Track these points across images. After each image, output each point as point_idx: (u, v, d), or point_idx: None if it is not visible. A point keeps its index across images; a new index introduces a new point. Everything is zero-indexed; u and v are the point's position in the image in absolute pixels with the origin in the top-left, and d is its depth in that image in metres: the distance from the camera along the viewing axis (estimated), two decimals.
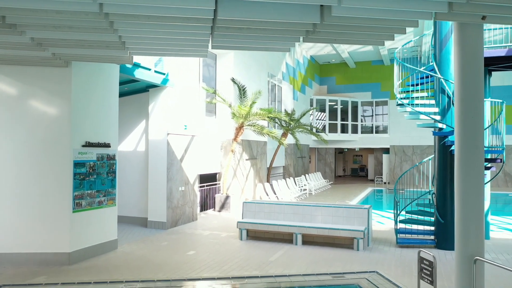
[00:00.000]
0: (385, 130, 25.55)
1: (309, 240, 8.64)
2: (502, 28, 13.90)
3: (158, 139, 10.19)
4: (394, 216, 8.63)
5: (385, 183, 24.69)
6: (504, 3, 3.99)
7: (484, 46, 9.67)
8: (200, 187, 12.67)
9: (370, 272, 6.65)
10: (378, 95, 25.52)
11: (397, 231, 8.51)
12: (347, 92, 26.25)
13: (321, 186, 20.37)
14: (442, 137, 8.12)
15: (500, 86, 22.94)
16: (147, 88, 10.32)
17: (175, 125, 10.39)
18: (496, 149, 8.21)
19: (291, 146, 19.81)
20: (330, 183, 22.55)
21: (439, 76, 7.92)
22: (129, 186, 10.66)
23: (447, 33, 8.05)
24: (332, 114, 25.24)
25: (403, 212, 8.80)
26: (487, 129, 8.58)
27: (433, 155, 8.83)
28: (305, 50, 23.77)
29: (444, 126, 8.03)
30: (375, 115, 26.04)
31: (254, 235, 9.15)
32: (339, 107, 25.28)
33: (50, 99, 7.03)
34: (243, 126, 13.18)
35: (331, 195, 18.29)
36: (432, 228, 8.51)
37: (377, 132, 25.88)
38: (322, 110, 25.22)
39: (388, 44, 21.77)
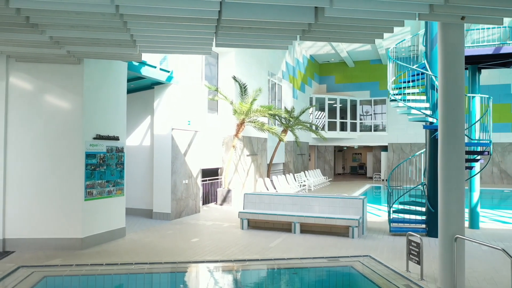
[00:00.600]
0: (383, 128, 25.99)
1: (307, 229, 9.09)
2: (495, 28, 14.40)
3: (163, 134, 10.65)
4: (388, 206, 9.08)
5: (383, 180, 25.14)
6: (480, 5, 4.44)
7: (473, 45, 10.17)
8: (203, 181, 13.13)
9: (363, 256, 7.11)
10: (377, 94, 25.96)
11: (391, 221, 8.96)
12: (346, 91, 26.70)
13: (320, 183, 20.82)
14: (432, 130, 8.56)
15: (497, 85, 23.38)
16: (152, 85, 10.79)
17: (179, 120, 10.86)
18: (483, 141, 8.62)
19: (291, 144, 20.27)
20: (329, 180, 23.01)
21: (430, 73, 8.37)
22: (135, 179, 11.11)
23: (438, 33, 8.48)
24: (332, 112, 25.70)
25: (398, 204, 9.25)
26: (476, 123, 9.04)
27: (424, 149, 9.26)
28: (304, 50, 24.22)
29: (434, 120, 8.47)
30: (374, 114, 26.48)
31: (255, 225, 9.60)
32: (338, 105, 25.73)
33: (63, 94, 7.49)
34: (244, 122, 13.64)
35: (329, 191, 18.74)
36: (424, 217, 8.95)
37: (375, 130, 26.32)
38: (322, 108, 25.67)
39: (386, 43, 22.23)
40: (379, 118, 26.41)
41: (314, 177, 21.03)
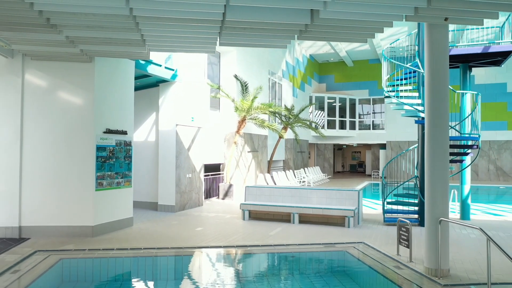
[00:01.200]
0: (382, 127, 26.43)
1: (305, 220, 9.55)
2: (490, 28, 14.82)
3: (168, 130, 11.12)
4: (382, 198, 9.54)
5: (381, 177, 25.57)
6: (461, 8, 4.90)
7: (464, 44, 10.61)
8: (205, 176, 13.59)
9: (357, 242, 7.58)
10: (375, 93, 26.40)
11: (385, 211, 9.42)
12: (345, 90, 27.15)
13: (319, 179, 21.28)
14: (424, 125, 8.99)
15: (493, 84, 23.82)
16: (157, 83, 11.25)
17: (183, 117, 11.33)
18: (473, 135, 9.05)
19: (291, 141, 20.72)
20: (328, 177, 23.46)
21: (421, 71, 8.82)
22: (141, 173, 11.57)
23: (424, 32, 8.95)
24: (331, 111, 26.16)
25: (391, 199, 9.70)
26: (467, 118, 9.49)
27: (417, 144, 9.71)
28: (304, 49, 24.68)
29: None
30: (373, 112, 26.92)
31: (256, 216, 10.07)
32: (337, 104, 26.19)
33: (75, 91, 7.96)
34: (245, 119, 14.10)
35: (328, 187, 19.18)
36: (416, 208, 9.40)
37: (374, 128, 26.77)
38: (321, 107, 26.12)
39: (385, 43, 22.67)
40: (377, 116, 26.85)
41: (314, 174, 21.49)
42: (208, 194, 13.96)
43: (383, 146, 26.62)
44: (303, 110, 19.01)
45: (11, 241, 7.39)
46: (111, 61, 8.37)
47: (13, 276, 5.54)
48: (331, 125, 25.99)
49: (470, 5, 4.80)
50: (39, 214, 7.77)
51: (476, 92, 9.15)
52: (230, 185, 13.84)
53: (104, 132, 8.21)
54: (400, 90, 9.19)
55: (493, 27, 15.19)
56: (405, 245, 6.44)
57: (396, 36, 20.91)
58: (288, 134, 19.12)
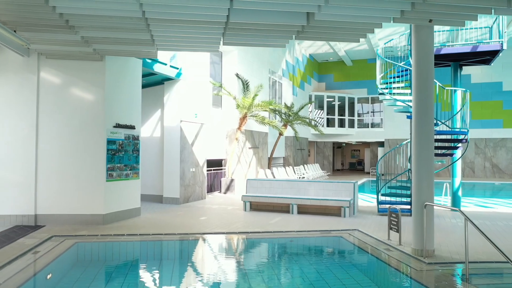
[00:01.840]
0: (380, 125, 26.92)
1: (304, 210, 10.06)
2: (482, 28, 15.31)
3: (172, 126, 11.64)
4: (376, 190, 10.04)
5: (382, 175, 26.06)
6: (443, 11, 5.41)
7: (455, 43, 11.10)
8: (208, 171, 14.10)
9: (352, 229, 8.09)
10: (374, 91, 26.83)
11: (379, 202, 9.93)
12: (344, 89, 27.65)
13: (318, 176, 21.77)
14: None
15: (489, 83, 24.29)
16: (163, 81, 11.77)
17: (186, 113, 11.84)
18: (463, 130, 9.55)
19: (291, 139, 21.23)
20: (327, 174, 23.97)
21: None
22: (146, 167, 12.07)
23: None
24: (330, 109, 26.66)
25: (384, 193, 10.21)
26: (457, 114, 9.99)
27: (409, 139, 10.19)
28: (304, 49, 25.18)
29: None
30: (371, 112, 27.40)
31: (256, 207, 10.58)
32: (336, 103, 26.69)
33: (87, 88, 8.48)
34: (246, 116, 14.61)
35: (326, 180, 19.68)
36: (409, 199, 9.89)
37: (372, 126, 27.26)
38: (321, 106, 26.62)
39: (382, 43, 23.14)
40: (376, 115, 27.34)
41: (313, 171, 21.99)
42: (211, 188, 14.47)
43: (381, 144, 27.11)
44: (302, 108, 19.50)
45: (28, 228, 7.91)
46: (120, 59, 8.89)
47: (34, 256, 6.05)
48: (330, 123, 26.50)
49: (451, 8, 5.31)
50: (54, 203, 8.28)
51: (464, 89, 9.63)
52: (232, 180, 14.36)
53: (114, 127, 8.72)
54: (394, 88, 9.69)
55: (485, 27, 15.68)
56: (395, 230, 6.95)
57: (394, 36, 21.38)
58: (288, 132, 19.63)
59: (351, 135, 27.05)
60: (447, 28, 13.48)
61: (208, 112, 13.34)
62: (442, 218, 9.40)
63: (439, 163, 10.58)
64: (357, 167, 33.39)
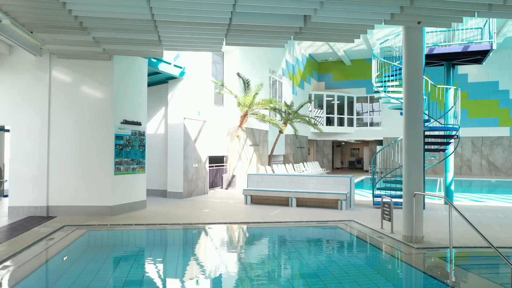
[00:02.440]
0: (378, 123, 27.34)
1: (302, 204, 10.49)
2: (477, 29, 15.72)
3: (176, 123, 12.08)
4: (372, 184, 10.48)
5: (377, 172, 26.47)
6: (430, 14, 5.85)
7: (446, 43, 11.52)
8: (210, 167, 14.54)
9: (348, 220, 8.52)
10: (372, 91, 27.26)
11: (374, 196, 10.36)
12: (344, 88, 28.07)
13: (318, 173, 22.21)
14: None
15: (486, 82, 24.69)
16: (167, 79, 12.22)
17: (190, 111, 12.28)
18: (455, 126, 9.98)
19: (291, 137, 21.66)
20: (326, 171, 24.40)
21: None
22: (151, 163, 12.51)
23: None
24: (330, 108, 27.09)
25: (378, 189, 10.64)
26: (450, 111, 10.42)
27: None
28: (304, 49, 25.61)
29: None
30: (370, 111, 27.82)
31: (257, 200, 11.01)
32: (336, 102, 27.11)
33: (96, 86, 8.92)
34: (247, 114, 15.05)
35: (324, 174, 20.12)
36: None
37: (371, 125, 27.67)
38: (320, 105, 27.04)
39: (380, 43, 23.56)
40: (375, 113, 27.75)
41: (312, 168, 22.42)
42: (213, 184, 14.91)
43: (380, 143, 27.53)
44: (302, 106, 19.92)
45: (40, 218, 8.35)
46: (127, 59, 9.32)
47: (50, 242, 6.49)
48: (329, 122, 26.93)
49: (437, 11, 5.75)
50: (64, 195, 8.73)
51: (456, 87, 10.06)
52: (233, 176, 14.79)
53: (122, 123, 9.17)
54: (389, 86, 10.12)
55: (477, 28, 16.10)
56: (388, 219, 7.38)
57: (391, 37, 21.79)
58: (288, 130, 20.04)
59: (350, 133, 27.47)
60: (444, 28, 13.88)
61: (210, 110, 13.78)
62: (435, 211, 9.85)
63: (433, 158, 11.00)
64: (356, 166, 33.79)
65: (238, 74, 15.80)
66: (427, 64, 11.14)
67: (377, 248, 6.44)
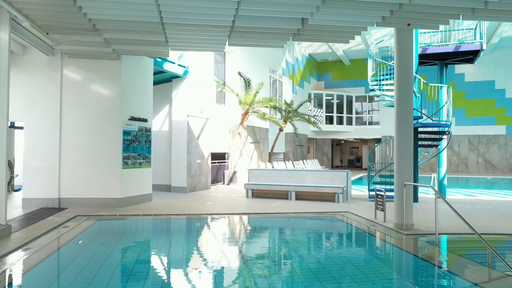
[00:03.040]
0: (377, 122, 27.81)
1: (301, 197, 10.96)
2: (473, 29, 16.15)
3: (180, 120, 12.56)
4: (368, 178, 10.94)
5: (373, 167, 26.94)
6: (418, 17, 6.31)
7: (439, 44, 11.97)
8: (212, 163, 15.02)
9: (344, 212, 8.99)
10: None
11: (370, 190, 10.82)
12: (343, 87, 28.55)
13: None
14: None
15: (482, 81, 25.14)
16: (171, 78, 12.69)
17: (193, 109, 12.76)
18: (447, 122, 10.43)
19: (291, 135, 22.13)
20: (326, 169, 24.86)
21: None
22: (156, 159, 12.96)
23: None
24: (329, 107, 27.56)
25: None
26: (443, 108, 10.87)
27: None
28: (303, 49, 26.07)
29: None
30: (370, 110, 28.27)
31: (258, 194, 11.48)
32: (335, 101, 27.59)
33: (105, 84, 9.39)
34: (248, 112, 15.52)
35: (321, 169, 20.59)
36: None
37: (370, 124, 28.14)
38: (320, 104, 27.52)
39: (382, 44, 24.01)
40: (375, 112, 28.21)
41: (312, 166, 22.87)
42: (214, 180, 15.39)
43: (379, 141, 27.99)
44: (301, 105, 20.39)
45: (53, 209, 8.83)
46: (134, 59, 9.80)
47: (64, 229, 6.97)
48: (329, 120, 27.39)
49: (425, 14, 6.22)
50: (75, 188, 9.21)
51: (447, 86, 10.52)
52: (235, 172, 15.26)
53: (129, 119, 9.64)
54: (383, 84, 10.59)
55: (469, 29, 16.55)
56: (380, 209, 7.85)
57: (388, 37, 22.26)
58: (288, 128, 20.50)
59: (349, 132, 27.94)
60: (441, 28, 14.33)
61: (212, 108, 14.25)
62: (427, 203, 10.31)
63: (426, 153, 11.47)
64: (355, 164, 34.27)
65: (239, 74, 16.27)
66: (421, 63, 11.61)
67: (370, 235, 6.91)
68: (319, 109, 27.44)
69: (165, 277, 4.57)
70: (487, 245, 4.84)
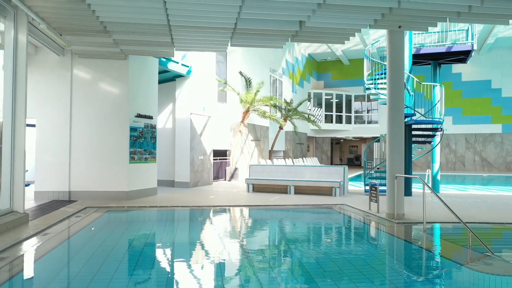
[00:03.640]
0: (376, 121, 28.25)
1: (300, 191, 11.42)
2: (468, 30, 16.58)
3: (183, 118, 13.02)
4: (364, 173, 11.39)
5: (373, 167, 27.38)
6: (408, 19, 6.77)
7: (432, 44, 12.42)
8: (213, 160, 15.48)
9: (340, 204, 9.45)
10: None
11: (366, 184, 11.28)
12: (342, 87, 29.00)
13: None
14: None
15: (479, 81, 25.58)
16: (174, 78, 13.16)
17: (195, 107, 13.23)
18: (439, 119, 10.88)
19: (291, 133, 22.59)
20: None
21: None
22: (160, 155, 13.43)
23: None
24: (328, 106, 28.02)
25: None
26: (436, 106, 11.32)
27: None
28: (303, 49, 26.53)
29: None
30: (370, 109, 28.72)
31: (258, 189, 11.95)
32: (334, 100, 28.04)
33: (113, 83, 9.86)
34: (249, 110, 15.99)
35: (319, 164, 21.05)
36: None
37: (369, 122, 28.59)
38: (319, 103, 27.97)
39: (377, 44, 24.45)
40: (374, 111, 28.65)
41: (311, 164, 23.33)
42: (216, 176, 15.85)
43: (377, 139, 28.38)
44: (301, 103, 20.85)
45: (64, 201, 9.29)
46: (140, 58, 10.26)
47: (77, 218, 7.44)
48: (328, 119, 27.85)
49: (414, 18, 6.68)
50: (84, 181, 9.68)
51: (440, 84, 10.96)
52: (236, 168, 15.73)
53: (136, 116, 10.11)
54: (379, 83, 11.05)
55: (461, 30, 17.00)
56: (374, 201, 8.32)
57: (383, 38, 22.72)
58: (288, 127, 20.96)
59: (348, 130, 28.39)
60: (437, 29, 14.79)
61: (214, 106, 14.72)
62: (421, 197, 10.76)
63: (420, 149, 11.92)
64: (354, 162, 34.72)
65: (241, 73, 16.73)
66: (415, 63, 12.07)
67: (364, 224, 7.37)
68: (318, 109, 27.88)
69: (171, 258, 5.04)
70: (468, 229, 5.30)
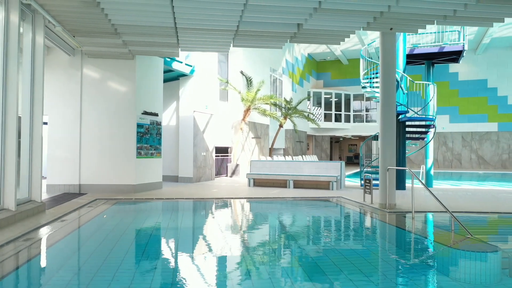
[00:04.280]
0: (374, 120, 28.73)
1: (299, 185, 11.92)
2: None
3: (187, 115, 13.53)
4: (360, 168, 11.89)
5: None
6: (398, 22, 7.27)
7: (427, 44, 12.90)
8: (215, 156, 15.99)
9: (337, 197, 9.96)
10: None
11: (361, 179, 11.78)
12: (341, 86, 29.50)
13: None
14: None
15: (475, 80, 26.06)
16: (178, 77, 13.66)
17: (198, 105, 13.73)
18: (432, 116, 11.39)
19: (290, 131, 23.09)
20: None
21: None
22: (164, 151, 13.89)
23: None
24: (328, 105, 28.51)
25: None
26: (429, 103, 11.82)
27: None
28: (303, 49, 27.03)
29: None
30: (369, 108, 29.20)
31: (259, 183, 12.45)
32: (333, 99, 28.53)
33: (121, 81, 10.36)
34: (249, 109, 16.49)
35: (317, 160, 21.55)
36: None
37: (367, 121, 29.07)
38: (319, 102, 28.47)
39: (375, 44, 24.95)
40: (373, 110, 29.14)
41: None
42: (218, 172, 16.36)
43: (376, 138, 28.86)
44: (300, 102, 21.35)
45: (74, 194, 9.80)
46: (147, 58, 10.77)
47: (89, 208, 7.94)
48: (327, 118, 28.34)
49: (404, 21, 7.18)
50: (94, 175, 10.18)
51: (432, 83, 11.46)
52: (237, 165, 16.24)
53: (142, 113, 10.62)
54: (374, 82, 11.55)
55: (453, 31, 17.47)
56: (368, 193, 8.82)
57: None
58: (288, 125, 21.46)
59: (348, 129, 28.87)
60: (434, 29, 15.28)
61: (216, 104, 15.23)
62: (416, 191, 11.25)
63: (413, 145, 12.42)
64: (354, 161, 35.21)
65: (242, 72, 17.24)
66: (409, 63, 12.56)
67: (359, 213, 7.88)
68: (318, 108, 28.37)
69: (178, 241, 5.56)
70: (450, 214, 5.80)
